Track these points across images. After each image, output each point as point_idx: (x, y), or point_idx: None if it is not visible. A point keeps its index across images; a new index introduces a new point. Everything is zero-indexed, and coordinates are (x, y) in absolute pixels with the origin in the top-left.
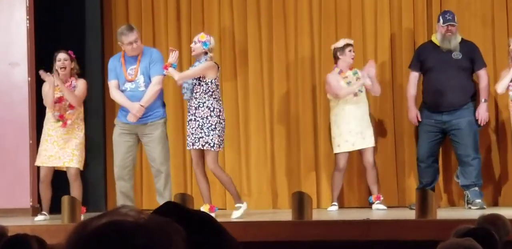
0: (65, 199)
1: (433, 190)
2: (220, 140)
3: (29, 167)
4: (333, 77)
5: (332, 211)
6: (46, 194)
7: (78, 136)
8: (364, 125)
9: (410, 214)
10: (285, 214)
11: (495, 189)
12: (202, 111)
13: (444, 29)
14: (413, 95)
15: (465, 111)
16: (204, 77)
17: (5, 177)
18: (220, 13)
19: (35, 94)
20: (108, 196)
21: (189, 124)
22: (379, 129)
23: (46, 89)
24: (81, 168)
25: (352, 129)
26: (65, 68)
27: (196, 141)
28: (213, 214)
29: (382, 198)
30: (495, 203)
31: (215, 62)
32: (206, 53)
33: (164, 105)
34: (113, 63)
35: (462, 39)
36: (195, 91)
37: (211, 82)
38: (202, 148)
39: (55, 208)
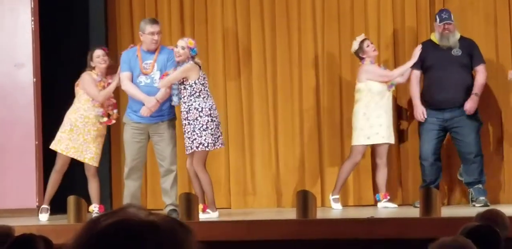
0: (71, 199)
1: (437, 188)
2: (214, 138)
3: (35, 168)
4: (372, 65)
5: (336, 210)
6: (55, 185)
7: (104, 135)
8: (391, 120)
9: (414, 212)
10: (290, 213)
11: (497, 186)
12: (193, 113)
13: (441, 28)
14: (418, 93)
15: None
16: (186, 80)
17: (12, 178)
18: (224, 12)
19: (41, 95)
20: (114, 195)
21: (183, 128)
22: None
23: (90, 82)
24: (97, 166)
25: (383, 122)
26: (105, 62)
27: (191, 144)
28: (214, 214)
29: (389, 197)
30: (498, 200)
31: (195, 62)
32: (192, 58)
33: (174, 105)
34: (127, 56)
35: (461, 36)
36: (182, 96)
37: (195, 83)
38: (197, 150)
39: (59, 208)
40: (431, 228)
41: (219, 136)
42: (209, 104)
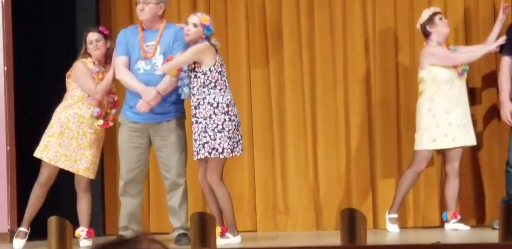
0: (52, 221)
1: None
2: (233, 142)
3: (6, 181)
4: (437, 47)
5: (392, 233)
6: (38, 202)
7: (102, 138)
8: (467, 115)
9: (492, 236)
10: (332, 237)
11: None
12: (204, 109)
13: None
14: (508, 86)
15: None
16: (199, 66)
17: None
18: None
19: (13, 87)
20: (107, 215)
21: (192, 128)
22: None
23: (84, 73)
24: (94, 178)
25: (453, 121)
26: (98, 49)
27: (201, 148)
28: (235, 239)
29: (459, 217)
30: None
31: (210, 43)
32: (207, 38)
33: (183, 100)
34: (124, 36)
35: None
36: (192, 86)
37: (210, 70)
38: (209, 156)
39: (37, 232)
40: None
41: (239, 140)
42: (227, 99)
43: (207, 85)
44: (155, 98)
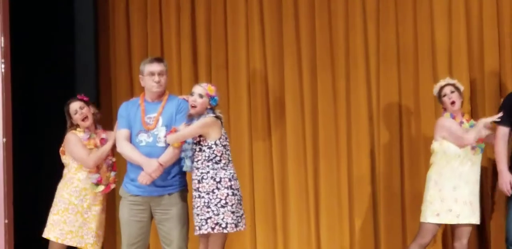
0: None
1: None
2: (236, 217)
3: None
4: (450, 121)
5: None
6: None
7: (105, 208)
8: (475, 193)
9: None
10: None
11: None
12: (207, 184)
13: None
14: (505, 156)
15: None
16: (204, 139)
17: None
18: (249, 52)
19: (12, 159)
20: None
21: (194, 202)
22: None
23: (75, 143)
24: None
25: (459, 197)
26: (87, 117)
27: (203, 223)
28: None
29: None
30: None
31: (216, 116)
32: (211, 109)
33: (185, 172)
34: (125, 108)
35: None
36: (196, 159)
37: (215, 143)
38: (212, 232)
39: None
40: None
41: (242, 214)
42: (230, 173)
43: (211, 159)
44: (157, 170)
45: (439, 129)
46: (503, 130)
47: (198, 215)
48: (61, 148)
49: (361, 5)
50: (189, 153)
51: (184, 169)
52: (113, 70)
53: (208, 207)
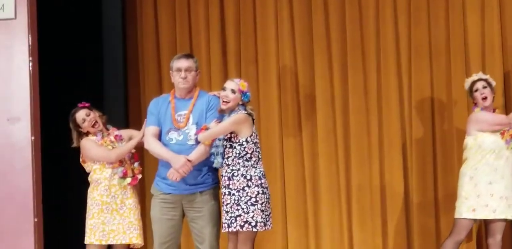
0: None
1: None
2: (266, 216)
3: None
4: (481, 113)
5: None
6: None
7: (138, 200)
8: (510, 188)
9: None
10: None
11: None
12: (237, 181)
13: None
14: None
15: None
16: (236, 136)
17: None
18: (279, 48)
19: (40, 158)
20: None
21: (223, 199)
22: None
23: (92, 146)
24: (143, 244)
25: (495, 192)
26: (96, 122)
27: (233, 221)
28: None
29: None
30: None
31: (247, 113)
32: (243, 105)
33: (217, 169)
34: (155, 105)
35: None
36: (226, 156)
37: (247, 141)
38: (241, 230)
39: None
40: None
41: (270, 213)
42: (260, 171)
43: (242, 157)
44: (185, 166)
45: (473, 123)
46: None
47: (227, 212)
48: (81, 159)
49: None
50: (220, 150)
51: (215, 165)
52: (142, 67)
53: (238, 204)
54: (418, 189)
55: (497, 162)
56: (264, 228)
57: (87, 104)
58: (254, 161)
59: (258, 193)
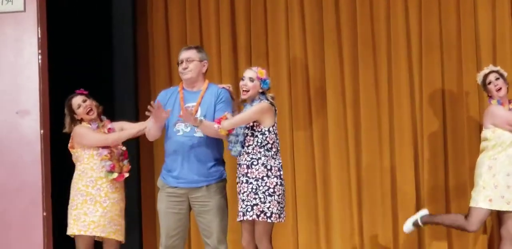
0: None
1: None
2: (281, 207)
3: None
4: (497, 108)
5: None
6: None
7: (123, 197)
8: None
9: None
10: None
11: None
12: (257, 170)
13: None
14: None
15: None
16: (258, 125)
17: None
18: (289, 40)
19: (49, 151)
20: None
21: (239, 187)
22: None
23: (87, 132)
24: (123, 241)
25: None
26: (91, 110)
27: (249, 209)
28: None
29: None
30: None
31: (271, 103)
32: (263, 93)
33: (224, 162)
34: (164, 97)
35: None
36: (247, 144)
37: (269, 130)
38: (257, 219)
39: None
40: None
41: (284, 205)
42: (279, 162)
43: (263, 146)
44: (192, 117)
45: (489, 117)
46: None
47: (243, 200)
48: (69, 144)
49: None
50: (241, 138)
51: (233, 153)
52: (152, 61)
53: (256, 193)
54: (429, 182)
55: None
56: (278, 220)
57: (85, 92)
58: (274, 152)
59: (277, 184)
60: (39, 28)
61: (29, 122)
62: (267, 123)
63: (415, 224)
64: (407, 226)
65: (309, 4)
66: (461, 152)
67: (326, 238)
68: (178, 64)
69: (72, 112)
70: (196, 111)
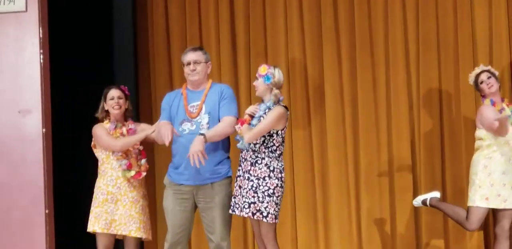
0: None
1: None
2: (278, 209)
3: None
4: (488, 107)
5: None
6: None
7: (145, 195)
8: None
9: None
10: None
11: None
12: (260, 169)
13: None
14: None
15: None
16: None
17: None
18: (288, 40)
19: (51, 150)
20: None
21: (239, 182)
22: None
23: (101, 133)
24: (150, 238)
25: (508, 182)
26: (120, 107)
27: (246, 206)
28: None
29: None
30: None
31: (284, 106)
32: (271, 89)
33: (229, 159)
34: (168, 99)
35: None
36: (254, 142)
37: (277, 133)
38: (252, 217)
39: None
40: None
41: (280, 207)
42: (282, 165)
43: (268, 147)
44: (200, 142)
45: (479, 116)
46: None
47: (243, 196)
48: (92, 143)
49: None
50: None
51: (239, 145)
52: (152, 60)
53: (255, 192)
54: (427, 181)
55: (511, 152)
56: (274, 221)
57: (127, 91)
58: (278, 154)
59: (277, 185)
60: (40, 28)
61: (31, 121)
62: (279, 126)
63: (423, 202)
64: (417, 201)
65: (308, 3)
66: (458, 150)
67: (325, 235)
68: (183, 65)
69: (104, 100)
70: (201, 109)
